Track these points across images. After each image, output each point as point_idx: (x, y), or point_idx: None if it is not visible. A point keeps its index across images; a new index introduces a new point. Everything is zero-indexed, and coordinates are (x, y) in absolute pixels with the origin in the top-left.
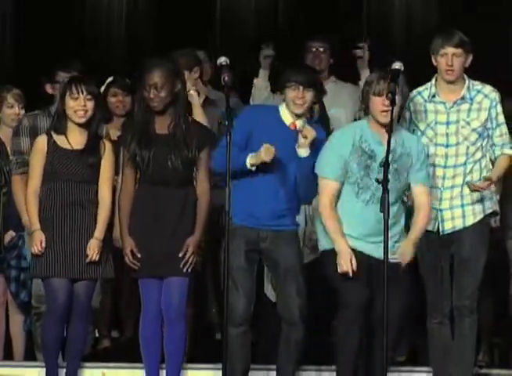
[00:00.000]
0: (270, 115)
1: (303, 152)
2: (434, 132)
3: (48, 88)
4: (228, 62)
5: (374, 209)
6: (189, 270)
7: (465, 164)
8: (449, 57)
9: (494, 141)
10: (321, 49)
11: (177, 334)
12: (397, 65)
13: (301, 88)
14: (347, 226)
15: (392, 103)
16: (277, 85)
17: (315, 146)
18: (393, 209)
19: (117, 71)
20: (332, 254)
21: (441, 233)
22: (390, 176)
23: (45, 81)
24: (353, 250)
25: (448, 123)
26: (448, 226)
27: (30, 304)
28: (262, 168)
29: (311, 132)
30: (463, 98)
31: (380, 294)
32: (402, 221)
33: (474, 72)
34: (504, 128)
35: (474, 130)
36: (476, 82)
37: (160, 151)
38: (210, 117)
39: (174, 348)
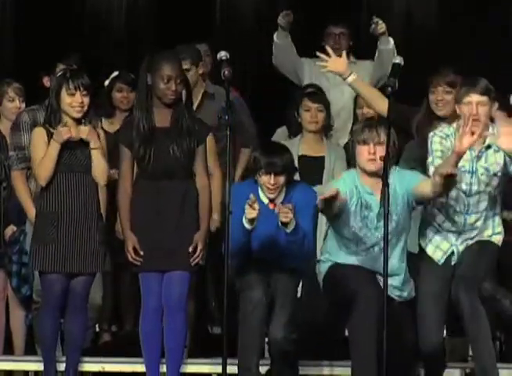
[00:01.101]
0: (250, 191)
1: (287, 228)
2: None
3: (46, 81)
4: (228, 56)
5: (371, 258)
6: (196, 265)
7: (486, 209)
8: (473, 106)
9: None
10: (339, 33)
11: (177, 328)
12: (397, 59)
13: (273, 174)
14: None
15: (391, 96)
16: (252, 170)
17: (308, 211)
18: (393, 254)
19: (117, 65)
20: (333, 269)
21: (452, 263)
22: (379, 222)
23: (43, 73)
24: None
25: (472, 172)
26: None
27: (31, 299)
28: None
29: (286, 216)
30: (488, 147)
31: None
32: (404, 267)
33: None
34: None
35: (495, 174)
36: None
37: (162, 144)
38: (209, 111)
39: (174, 342)
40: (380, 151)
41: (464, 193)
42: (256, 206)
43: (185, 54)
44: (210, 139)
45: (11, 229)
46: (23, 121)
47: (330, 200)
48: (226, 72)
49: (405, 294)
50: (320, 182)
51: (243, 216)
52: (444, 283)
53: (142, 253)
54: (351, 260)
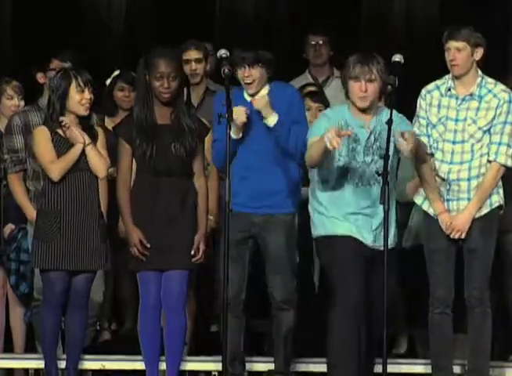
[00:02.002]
0: (236, 97)
1: (270, 121)
2: (444, 128)
3: (40, 78)
4: (228, 54)
5: (362, 191)
6: (196, 264)
7: (470, 160)
8: (451, 51)
9: (492, 138)
10: (320, 42)
11: (177, 327)
12: (397, 57)
13: (246, 67)
14: (334, 208)
15: (392, 93)
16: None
17: (285, 109)
18: (374, 189)
19: (116, 63)
20: (326, 241)
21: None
22: (375, 156)
23: (36, 70)
24: (348, 236)
25: (456, 120)
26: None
27: (30, 296)
28: (247, 144)
29: (260, 101)
30: (471, 94)
31: (373, 276)
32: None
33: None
34: (504, 127)
35: (480, 128)
36: (490, 80)
37: (164, 141)
38: (210, 108)
39: (173, 340)
40: (371, 88)
41: (450, 142)
42: (245, 110)
43: (198, 45)
44: (209, 137)
45: (9, 228)
46: (14, 124)
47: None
48: (226, 70)
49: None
50: None
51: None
52: (450, 240)
53: (148, 245)
54: (343, 211)
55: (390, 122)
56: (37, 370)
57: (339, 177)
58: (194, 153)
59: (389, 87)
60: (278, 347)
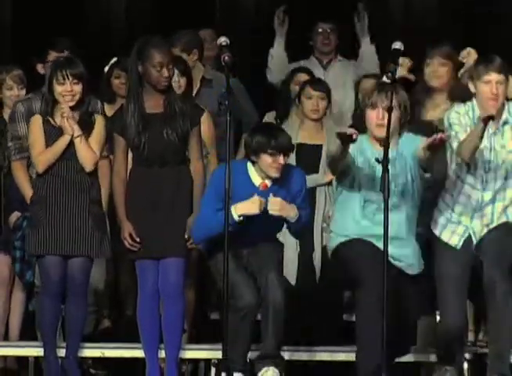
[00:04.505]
0: (240, 176)
1: (291, 217)
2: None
3: (40, 68)
4: (228, 42)
5: (379, 219)
6: (190, 250)
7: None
8: (493, 86)
9: None
10: (329, 30)
11: (175, 315)
12: (397, 45)
13: (281, 155)
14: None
15: (392, 83)
16: (251, 150)
17: (293, 196)
18: (394, 217)
19: (116, 51)
20: (347, 243)
21: (472, 246)
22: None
23: (37, 60)
24: (362, 239)
25: (490, 149)
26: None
27: (34, 284)
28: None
29: (275, 204)
30: (505, 123)
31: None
32: (413, 239)
33: None
34: None
35: (510, 152)
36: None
37: (156, 130)
38: (206, 96)
39: (172, 328)
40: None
41: (483, 169)
42: (261, 203)
43: (176, 41)
44: (206, 120)
45: (15, 216)
46: (18, 111)
47: (346, 144)
48: (226, 57)
49: (415, 268)
50: (316, 171)
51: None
52: (464, 267)
53: (138, 239)
54: (359, 228)
55: (390, 110)
56: (37, 358)
57: (355, 206)
58: (187, 137)
59: (389, 74)
60: (266, 329)
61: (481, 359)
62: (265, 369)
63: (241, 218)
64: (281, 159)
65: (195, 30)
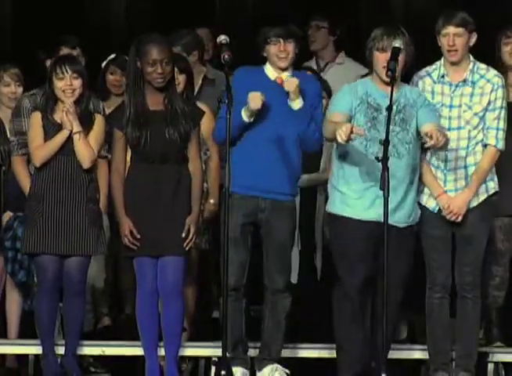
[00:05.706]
0: (256, 76)
1: (294, 104)
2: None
3: (49, 64)
4: (228, 40)
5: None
6: (190, 249)
7: (467, 147)
8: (451, 37)
9: (488, 123)
10: (318, 26)
11: (174, 313)
12: (397, 43)
13: (281, 41)
14: (351, 183)
15: (392, 78)
16: (258, 44)
17: (310, 101)
18: (402, 163)
19: (116, 51)
20: (335, 220)
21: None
22: (397, 127)
23: (45, 56)
24: (357, 220)
25: (451, 106)
26: None
27: (27, 284)
28: (261, 127)
29: (292, 83)
30: (464, 81)
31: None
32: (416, 182)
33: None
34: (499, 113)
35: (475, 114)
36: (482, 66)
37: (157, 127)
38: (209, 96)
39: (171, 327)
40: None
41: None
42: (261, 96)
43: (176, 42)
44: (207, 119)
45: (8, 215)
46: (23, 107)
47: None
48: (226, 56)
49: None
50: (317, 169)
51: (242, 107)
52: (446, 228)
53: (138, 236)
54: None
55: (390, 108)
56: (37, 356)
57: (358, 149)
58: (188, 137)
59: (389, 72)
60: (272, 333)
61: (481, 359)
62: (270, 367)
63: (251, 119)
64: (285, 46)
65: (195, 31)
